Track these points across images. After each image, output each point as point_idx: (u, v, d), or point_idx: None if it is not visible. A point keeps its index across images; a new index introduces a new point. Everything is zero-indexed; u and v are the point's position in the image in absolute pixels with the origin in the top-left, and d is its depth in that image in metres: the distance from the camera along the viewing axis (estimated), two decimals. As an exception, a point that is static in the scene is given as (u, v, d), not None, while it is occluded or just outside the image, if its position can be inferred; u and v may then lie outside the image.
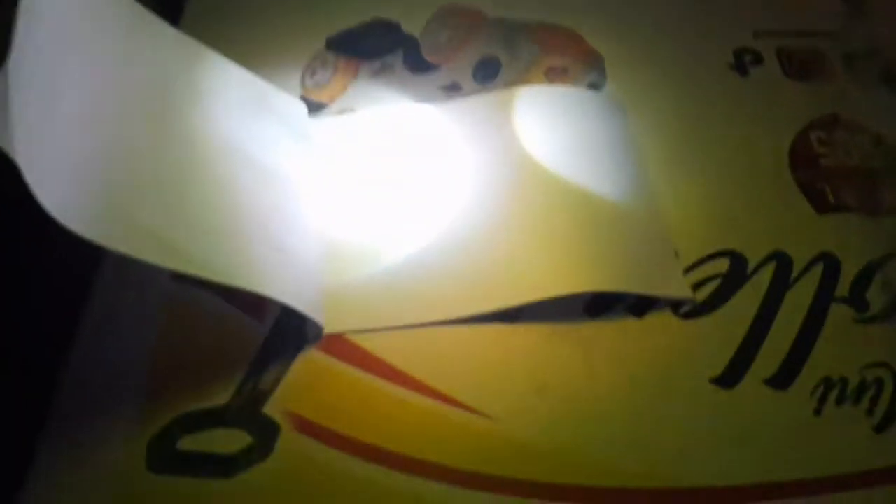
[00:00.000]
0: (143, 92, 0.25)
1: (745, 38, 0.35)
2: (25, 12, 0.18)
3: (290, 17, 0.36)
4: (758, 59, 0.35)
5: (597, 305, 0.27)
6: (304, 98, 0.33)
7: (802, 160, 0.31)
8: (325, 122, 0.32)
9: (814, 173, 0.31)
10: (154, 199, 0.22)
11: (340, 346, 0.26)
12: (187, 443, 0.24)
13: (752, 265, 0.28)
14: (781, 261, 0.28)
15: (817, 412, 0.25)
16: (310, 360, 0.25)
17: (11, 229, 0.25)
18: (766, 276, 0.28)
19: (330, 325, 0.26)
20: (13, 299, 0.27)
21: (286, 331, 0.26)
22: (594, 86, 0.33)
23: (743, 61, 0.35)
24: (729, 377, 0.25)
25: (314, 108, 0.32)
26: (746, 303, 0.27)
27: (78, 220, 0.19)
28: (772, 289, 0.27)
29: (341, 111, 0.33)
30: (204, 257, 0.23)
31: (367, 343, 0.26)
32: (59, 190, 0.18)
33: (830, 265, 0.28)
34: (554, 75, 0.34)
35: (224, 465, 0.23)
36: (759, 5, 0.37)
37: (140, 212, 0.22)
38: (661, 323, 0.27)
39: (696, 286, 0.27)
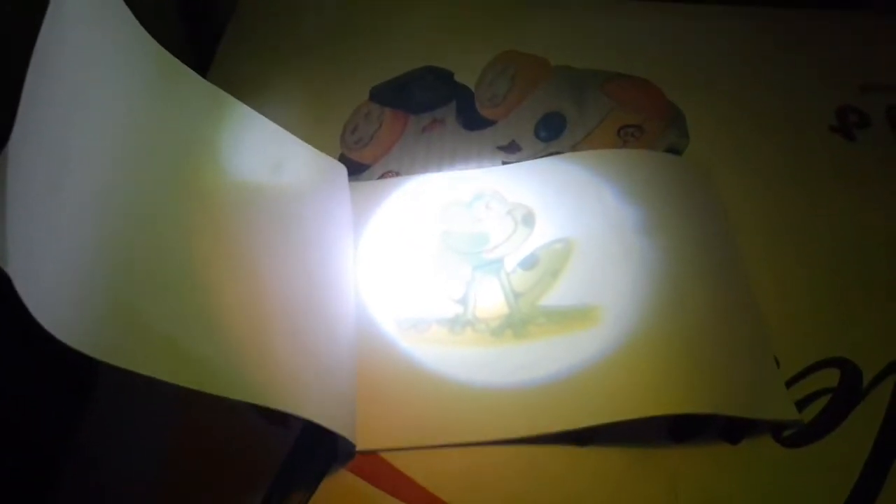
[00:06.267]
0: (164, 151, 0.21)
1: (850, 94, 0.31)
2: (37, 66, 0.15)
3: (329, 63, 0.32)
4: (865, 121, 0.30)
5: (682, 428, 0.23)
6: (343, 158, 0.29)
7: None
8: (367, 188, 0.28)
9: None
10: (173, 301, 0.19)
11: (374, 468, 0.22)
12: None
13: (867, 378, 0.24)
14: (905, 375, 0.23)
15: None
16: (339, 481, 0.22)
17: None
18: (885, 392, 0.23)
19: (363, 442, 0.22)
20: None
21: (314, 443, 0.22)
22: (674, 148, 0.29)
23: (848, 122, 0.30)
24: (847, 524, 0.21)
25: (355, 169, 0.29)
26: (864, 427, 0.23)
27: (81, 337, 0.15)
28: (894, 409, 0.23)
29: (385, 174, 0.29)
30: (232, 374, 0.19)
31: (401, 463, 0.22)
32: (58, 300, 0.15)
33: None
34: (628, 134, 0.30)
35: None
36: (867, 53, 0.32)
37: (155, 318, 0.18)
38: (760, 451, 0.22)
39: (801, 404, 0.23)
